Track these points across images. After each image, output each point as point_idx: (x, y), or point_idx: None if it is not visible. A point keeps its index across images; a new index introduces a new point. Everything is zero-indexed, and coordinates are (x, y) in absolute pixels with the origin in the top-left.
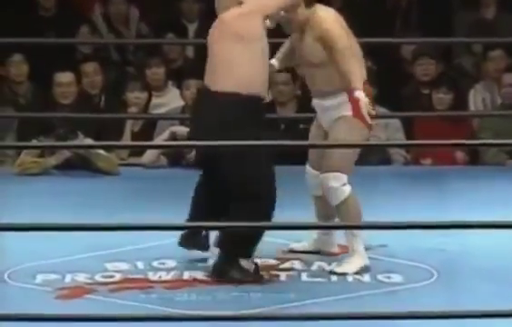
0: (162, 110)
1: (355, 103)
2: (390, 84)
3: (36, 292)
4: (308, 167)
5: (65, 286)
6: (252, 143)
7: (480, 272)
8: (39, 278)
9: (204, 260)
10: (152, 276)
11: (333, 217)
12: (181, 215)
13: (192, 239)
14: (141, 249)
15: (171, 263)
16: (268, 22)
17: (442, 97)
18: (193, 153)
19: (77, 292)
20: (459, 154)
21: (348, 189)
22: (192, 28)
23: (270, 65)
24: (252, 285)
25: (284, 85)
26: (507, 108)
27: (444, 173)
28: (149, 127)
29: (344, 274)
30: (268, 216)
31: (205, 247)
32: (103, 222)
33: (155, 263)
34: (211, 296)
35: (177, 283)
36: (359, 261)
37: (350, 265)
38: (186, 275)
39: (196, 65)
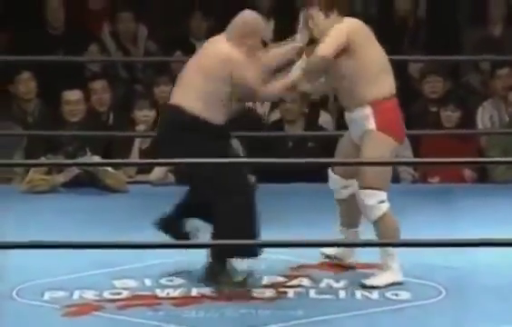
0: None
1: (379, 115)
2: (398, 102)
3: (44, 309)
4: (330, 172)
5: (73, 303)
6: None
7: (488, 289)
8: (47, 295)
9: None
10: (159, 293)
11: (356, 225)
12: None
13: (170, 225)
14: (148, 266)
15: (178, 280)
16: (298, 38)
17: (450, 115)
18: None
19: (85, 309)
20: (467, 172)
21: (384, 206)
22: (199, 46)
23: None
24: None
25: (292, 103)
26: None
27: (452, 191)
28: (157, 145)
29: (373, 288)
30: (251, 210)
31: (178, 235)
32: (111, 240)
33: (163, 281)
34: (218, 313)
35: (185, 300)
36: (391, 277)
37: (380, 279)
38: (194, 292)
39: None
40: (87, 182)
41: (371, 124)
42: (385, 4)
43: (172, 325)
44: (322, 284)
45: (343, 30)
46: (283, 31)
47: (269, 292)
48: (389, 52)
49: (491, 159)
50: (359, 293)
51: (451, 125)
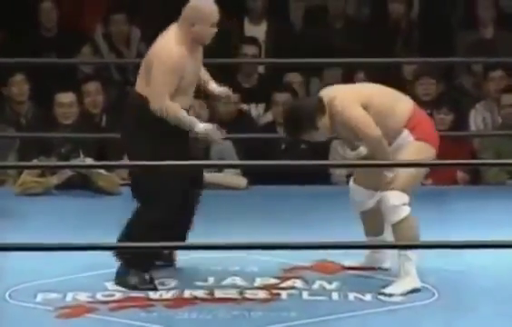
0: None
1: (414, 130)
2: None
3: (37, 310)
4: (353, 184)
5: (66, 305)
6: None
7: (481, 291)
8: (40, 297)
9: (205, 279)
10: (152, 295)
11: (382, 232)
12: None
13: None
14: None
15: (171, 282)
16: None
17: (443, 118)
18: None
19: (78, 310)
20: (460, 174)
21: (407, 209)
22: None
23: None
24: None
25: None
26: (508, 128)
27: (445, 193)
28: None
29: (391, 295)
30: (166, 226)
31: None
32: (104, 242)
33: (156, 282)
34: (211, 315)
35: (178, 302)
36: (410, 284)
37: (400, 287)
38: (187, 294)
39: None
40: (80, 184)
41: (411, 138)
42: (378, 7)
43: None
44: (315, 286)
45: (352, 104)
46: (276, 32)
47: (262, 294)
48: (383, 54)
49: (484, 161)
50: (351, 295)
51: (444, 128)
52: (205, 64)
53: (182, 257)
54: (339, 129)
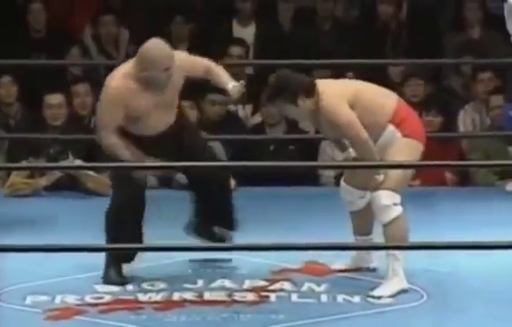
0: None
1: (400, 125)
2: None
3: (26, 313)
4: (343, 184)
5: (55, 307)
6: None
7: (470, 292)
8: (29, 299)
9: (194, 281)
10: (141, 297)
11: (370, 232)
12: (171, 236)
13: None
14: (131, 270)
15: (160, 285)
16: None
17: (432, 120)
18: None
19: (67, 313)
20: (449, 175)
21: (399, 209)
22: (181, 50)
23: None
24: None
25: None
26: (496, 129)
27: (433, 195)
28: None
29: (380, 297)
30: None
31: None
32: (94, 244)
33: (145, 285)
34: (200, 317)
35: (167, 304)
36: (398, 285)
37: (388, 288)
38: (176, 296)
39: (186, 87)
40: (69, 185)
41: (398, 135)
42: (367, 8)
43: None
44: (304, 288)
45: (339, 102)
46: (264, 33)
47: (250, 296)
48: (371, 55)
49: (473, 162)
50: (340, 297)
51: (433, 129)
52: None
53: (170, 260)
54: (324, 126)
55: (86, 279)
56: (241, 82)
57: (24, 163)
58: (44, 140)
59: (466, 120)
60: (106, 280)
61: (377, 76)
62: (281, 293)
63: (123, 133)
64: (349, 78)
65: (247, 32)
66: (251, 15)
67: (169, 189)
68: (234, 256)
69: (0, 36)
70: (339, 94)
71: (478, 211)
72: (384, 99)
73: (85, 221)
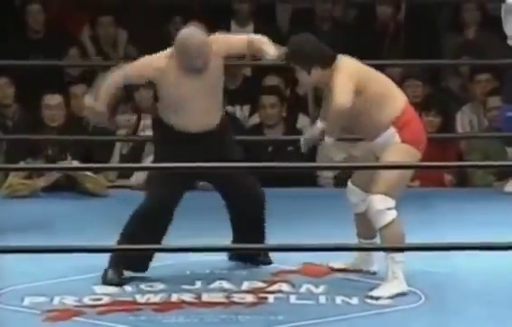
0: (150, 132)
1: (401, 129)
2: None
3: (24, 314)
4: (350, 185)
5: (53, 309)
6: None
7: (469, 294)
8: (27, 300)
9: (192, 282)
10: (140, 299)
11: (374, 237)
12: (168, 238)
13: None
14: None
15: (159, 286)
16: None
17: (432, 120)
18: None
19: (65, 314)
20: (447, 177)
21: (393, 213)
22: None
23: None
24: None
25: (271, 108)
26: (494, 130)
27: (432, 196)
28: (138, 149)
29: (378, 298)
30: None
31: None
32: (92, 245)
33: (143, 286)
34: (198, 318)
35: (165, 306)
36: (397, 287)
37: (387, 290)
38: (174, 297)
39: None
40: (67, 186)
41: (396, 139)
42: (365, 9)
43: None
44: (302, 289)
45: (347, 75)
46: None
47: (249, 298)
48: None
49: (471, 163)
50: (339, 299)
51: (432, 131)
52: None
53: (168, 261)
54: (329, 101)
55: (84, 280)
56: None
57: (22, 164)
58: (43, 141)
59: (463, 121)
60: (105, 280)
61: None
62: (280, 295)
63: (167, 128)
64: None
65: (245, 33)
66: (249, 16)
67: None
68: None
69: None
70: (351, 73)
71: (477, 212)
72: (393, 98)
73: (83, 222)
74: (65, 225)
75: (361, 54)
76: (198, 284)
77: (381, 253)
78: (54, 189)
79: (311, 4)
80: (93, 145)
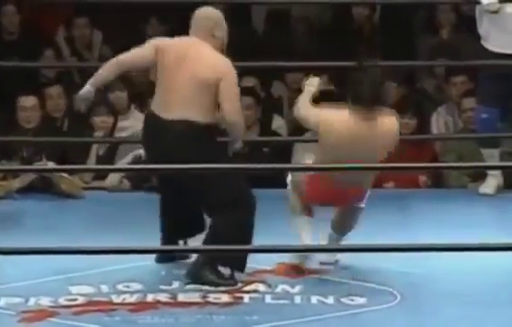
0: (126, 133)
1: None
2: None
3: None
4: None
5: (29, 309)
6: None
7: (443, 294)
8: (2, 301)
9: (169, 283)
10: (115, 299)
11: (343, 236)
12: (144, 239)
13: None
14: (105, 272)
15: (135, 286)
16: None
17: (408, 122)
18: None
19: (40, 315)
20: (422, 178)
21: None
22: None
23: None
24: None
25: (247, 110)
26: (469, 132)
27: (407, 197)
28: (114, 151)
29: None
30: (250, 225)
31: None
32: (67, 246)
33: (119, 286)
34: (173, 318)
35: (140, 306)
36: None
37: None
38: (150, 298)
39: None
40: (42, 187)
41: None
42: (341, 10)
43: None
44: (278, 290)
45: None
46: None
47: (224, 298)
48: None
49: (446, 164)
50: (314, 298)
51: (408, 132)
52: None
53: (144, 262)
54: None
55: (60, 281)
56: None
57: None
58: (17, 142)
59: (439, 122)
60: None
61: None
62: (255, 295)
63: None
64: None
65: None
66: (225, 17)
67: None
68: None
69: None
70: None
71: (452, 213)
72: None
73: (59, 223)
74: (40, 226)
75: (336, 56)
76: (175, 284)
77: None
78: (29, 190)
79: (287, 6)
80: (69, 147)
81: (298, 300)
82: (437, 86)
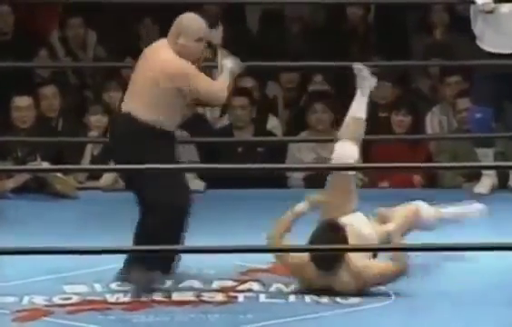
0: None
1: None
2: (347, 108)
3: None
4: None
5: (23, 308)
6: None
7: (437, 293)
8: None
9: (163, 282)
10: (109, 298)
11: None
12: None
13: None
14: (99, 271)
15: (129, 285)
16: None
17: (402, 120)
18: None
19: (35, 314)
20: (416, 177)
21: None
22: None
23: None
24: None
25: (241, 110)
26: (463, 132)
27: (402, 196)
28: (109, 152)
29: None
30: (177, 227)
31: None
32: (61, 246)
33: (113, 286)
34: (168, 317)
35: (135, 305)
36: None
37: None
38: (144, 297)
39: None
40: (37, 188)
41: None
42: (335, 11)
43: None
44: (272, 288)
45: None
46: (232, 36)
47: (219, 297)
48: (339, 57)
49: (441, 164)
50: (308, 297)
51: (402, 131)
52: None
53: None
54: None
55: (54, 280)
56: None
57: None
58: (12, 142)
59: (433, 122)
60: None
61: (345, 79)
62: (249, 294)
63: None
64: (317, 82)
65: (214, 34)
66: (219, 17)
67: None
68: (202, 257)
69: None
70: None
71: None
72: None
73: (53, 223)
74: (34, 226)
75: (331, 56)
76: (168, 283)
77: None
78: (23, 190)
79: (281, 6)
80: (64, 147)
81: (292, 299)
82: (431, 86)
